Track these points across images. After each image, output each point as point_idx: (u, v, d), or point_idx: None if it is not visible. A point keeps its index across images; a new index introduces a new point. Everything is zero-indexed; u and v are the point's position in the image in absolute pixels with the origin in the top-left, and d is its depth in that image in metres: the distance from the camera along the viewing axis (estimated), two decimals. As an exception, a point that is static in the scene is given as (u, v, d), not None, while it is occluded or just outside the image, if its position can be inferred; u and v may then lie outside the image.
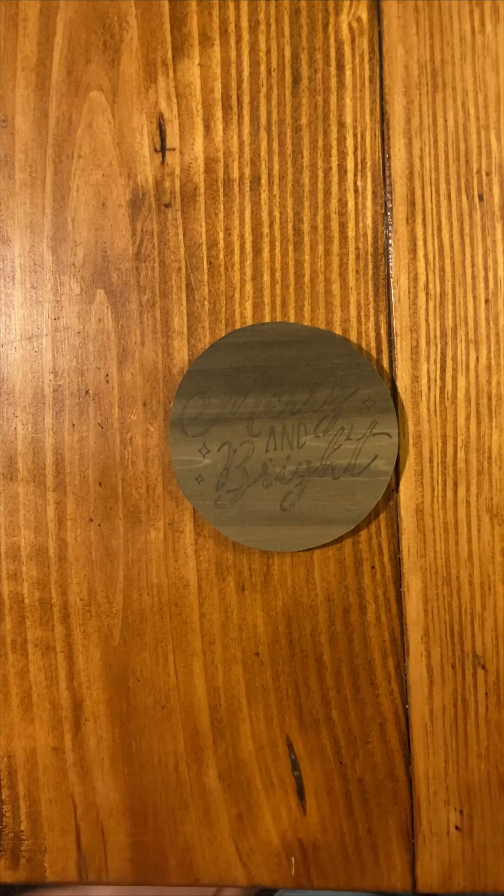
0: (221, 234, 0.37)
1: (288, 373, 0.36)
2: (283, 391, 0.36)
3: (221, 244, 0.37)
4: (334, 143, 0.36)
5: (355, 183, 0.36)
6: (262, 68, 0.37)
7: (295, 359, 0.36)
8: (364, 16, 0.36)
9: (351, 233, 0.36)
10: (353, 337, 0.36)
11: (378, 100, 0.36)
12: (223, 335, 0.37)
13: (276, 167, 0.37)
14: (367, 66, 0.36)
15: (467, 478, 0.36)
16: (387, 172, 0.36)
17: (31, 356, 0.38)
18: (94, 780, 0.39)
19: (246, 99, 0.37)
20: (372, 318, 0.36)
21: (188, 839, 0.38)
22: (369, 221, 0.36)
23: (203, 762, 0.38)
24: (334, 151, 0.36)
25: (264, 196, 0.37)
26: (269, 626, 0.37)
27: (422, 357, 0.36)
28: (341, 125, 0.36)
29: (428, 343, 0.36)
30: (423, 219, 0.36)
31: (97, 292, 0.38)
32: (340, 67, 0.36)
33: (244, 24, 0.37)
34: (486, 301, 0.36)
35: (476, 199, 0.36)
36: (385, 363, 0.36)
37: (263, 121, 0.37)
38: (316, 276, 0.37)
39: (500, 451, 0.36)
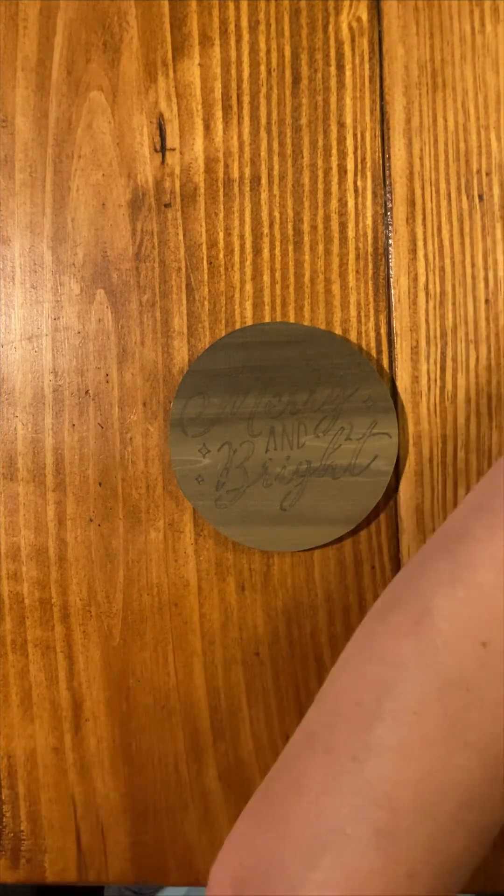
0: (221, 234, 0.37)
1: (288, 373, 0.36)
2: (283, 391, 0.36)
3: (221, 244, 0.37)
4: (334, 143, 0.36)
5: (355, 183, 0.36)
6: (262, 68, 0.37)
7: (295, 359, 0.36)
8: (364, 16, 0.36)
9: (351, 233, 0.36)
10: (353, 337, 0.36)
11: (378, 100, 0.36)
12: (223, 335, 0.37)
13: (276, 167, 0.37)
14: (367, 66, 0.36)
15: (467, 478, 0.36)
16: (387, 172, 0.36)
17: (31, 356, 0.38)
18: (94, 780, 0.39)
19: (246, 99, 0.37)
20: (372, 318, 0.36)
21: (188, 839, 0.38)
22: (369, 221, 0.36)
23: (203, 762, 0.38)
24: (334, 151, 0.36)
25: (264, 196, 0.37)
26: (269, 626, 0.37)
27: (422, 357, 0.36)
28: (341, 125, 0.36)
29: (428, 343, 0.36)
30: (423, 219, 0.36)
31: (97, 292, 0.38)
32: (340, 67, 0.36)
33: (244, 24, 0.37)
34: (486, 301, 0.36)
35: (476, 199, 0.36)
36: (385, 363, 0.36)
37: (263, 121, 0.37)
38: (316, 276, 0.37)
39: (500, 451, 0.36)
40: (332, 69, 0.36)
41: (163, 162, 0.38)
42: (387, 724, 0.23)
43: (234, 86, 0.37)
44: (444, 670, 0.23)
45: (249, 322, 0.37)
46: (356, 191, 0.36)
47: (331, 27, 0.36)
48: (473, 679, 0.22)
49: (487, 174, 0.36)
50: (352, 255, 0.36)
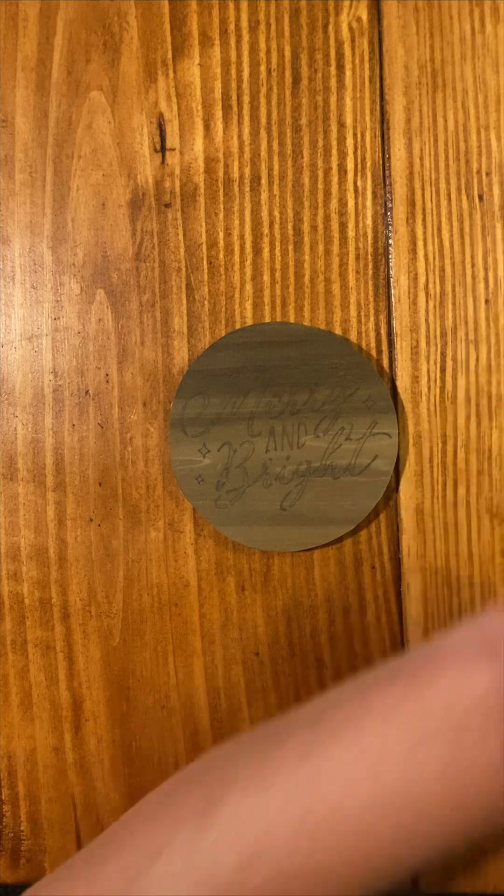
0: (221, 234, 0.37)
1: (288, 373, 0.36)
2: (283, 391, 0.36)
3: (221, 244, 0.37)
4: (334, 143, 0.36)
5: (355, 183, 0.36)
6: (262, 68, 0.37)
7: (295, 359, 0.36)
8: (364, 16, 0.36)
9: (351, 233, 0.36)
10: (353, 337, 0.36)
11: (378, 100, 0.36)
12: (223, 335, 0.37)
13: (276, 167, 0.37)
14: (367, 66, 0.36)
15: (467, 478, 0.36)
16: (387, 172, 0.36)
17: (31, 356, 0.38)
18: (94, 780, 0.39)
19: (246, 99, 0.37)
20: (372, 318, 0.36)
21: (188, 839, 0.38)
22: (369, 221, 0.36)
23: (203, 762, 0.38)
24: (334, 151, 0.36)
25: (264, 196, 0.37)
26: (269, 626, 0.37)
27: (422, 357, 0.36)
28: (341, 125, 0.36)
29: (428, 343, 0.36)
30: (423, 219, 0.36)
31: (97, 292, 0.38)
32: (340, 67, 0.36)
33: (244, 24, 0.37)
34: (486, 301, 0.36)
35: (476, 199, 0.36)
36: (385, 363, 0.36)
37: (263, 121, 0.37)
38: (316, 276, 0.37)
39: (500, 451, 0.36)
40: (332, 69, 0.36)
41: (163, 162, 0.38)
42: (138, 890, 0.24)
43: (234, 86, 0.37)
44: (202, 871, 0.23)
45: (249, 322, 0.37)
46: (356, 191, 0.36)
47: (331, 27, 0.36)
48: (223, 888, 0.23)
49: (487, 174, 0.36)
50: (352, 255, 0.36)
